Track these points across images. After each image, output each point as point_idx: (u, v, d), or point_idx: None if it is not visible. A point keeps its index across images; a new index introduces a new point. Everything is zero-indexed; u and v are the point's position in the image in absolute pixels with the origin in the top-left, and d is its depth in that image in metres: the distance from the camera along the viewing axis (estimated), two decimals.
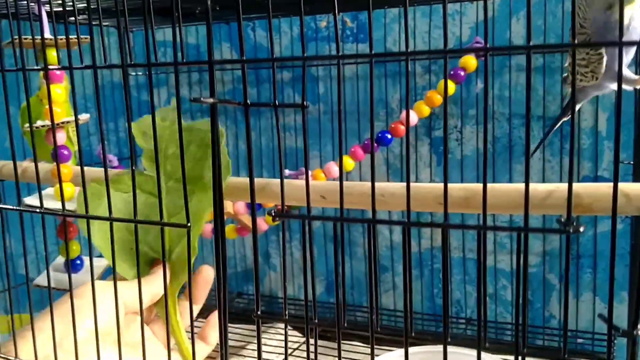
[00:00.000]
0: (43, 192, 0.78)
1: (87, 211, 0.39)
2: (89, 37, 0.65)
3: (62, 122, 0.71)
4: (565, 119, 0.76)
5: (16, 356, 0.40)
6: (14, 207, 0.40)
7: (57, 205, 0.72)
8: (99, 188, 0.49)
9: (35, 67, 0.37)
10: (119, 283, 0.42)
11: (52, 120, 0.37)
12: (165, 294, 0.39)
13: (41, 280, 0.75)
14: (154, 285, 0.47)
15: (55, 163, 0.72)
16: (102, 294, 0.42)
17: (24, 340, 0.41)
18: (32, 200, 0.73)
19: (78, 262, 0.76)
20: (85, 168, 0.40)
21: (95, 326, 0.39)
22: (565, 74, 0.68)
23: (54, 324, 0.40)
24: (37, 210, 0.40)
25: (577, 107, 0.76)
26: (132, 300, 0.45)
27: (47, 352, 0.40)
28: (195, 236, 0.49)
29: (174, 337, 0.50)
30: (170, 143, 0.53)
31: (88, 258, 0.76)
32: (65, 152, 0.70)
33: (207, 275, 0.51)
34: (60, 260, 0.80)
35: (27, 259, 0.43)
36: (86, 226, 0.45)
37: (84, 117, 0.71)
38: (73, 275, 0.75)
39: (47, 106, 0.69)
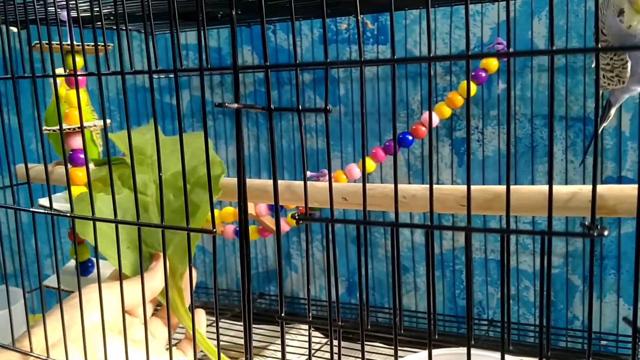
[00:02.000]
0: (60, 195, 0.80)
1: (93, 213, 0.41)
2: (111, 44, 0.66)
3: (78, 128, 0.72)
4: (605, 123, 0.76)
5: (30, 348, 0.43)
6: (26, 208, 0.41)
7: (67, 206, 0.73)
8: (85, 196, 0.51)
9: (64, 74, 0.38)
10: (118, 283, 0.45)
11: (81, 123, 0.38)
12: (166, 287, 0.40)
13: (51, 282, 0.76)
14: (154, 280, 0.50)
15: (72, 167, 0.73)
16: (103, 293, 0.44)
17: (35, 332, 0.45)
18: (45, 201, 0.75)
19: (89, 264, 0.78)
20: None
21: (102, 322, 0.42)
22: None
23: (60, 319, 0.43)
24: (47, 211, 0.41)
25: (612, 110, 0.76)
26: (130, 298, 0.48)
27: (55, 340, 0.44)
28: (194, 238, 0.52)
29: (181, 321, 0.53)
30: (155, 151, 0.56)
31: (101, 261, 0.78)
32: (82, 156, 0.71)
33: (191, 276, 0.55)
34: (72, 262, 0.82)
35: (39, 261, 0.44)
36: (81, 227, 0.46)
37: (101, 122, 0.72)
38: (85, 278, 0.76)
39: (67, 110, 0.71)
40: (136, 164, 0.55)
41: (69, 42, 0.70)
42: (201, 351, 0.53)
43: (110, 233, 0.43)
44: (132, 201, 0.53)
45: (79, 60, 0.68)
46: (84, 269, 0.76)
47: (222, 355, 0.52)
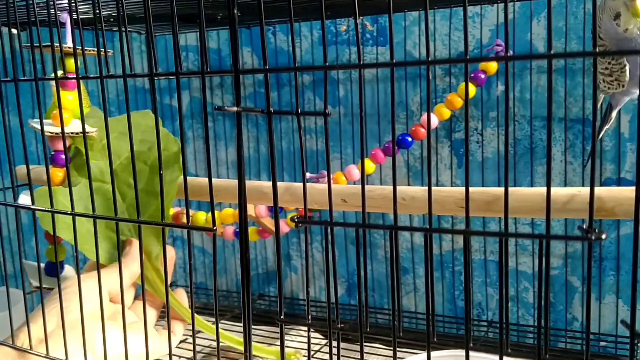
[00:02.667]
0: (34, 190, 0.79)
1: (72, 208, 0.41)
2: (111, 51, 0.66)
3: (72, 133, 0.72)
4: (607, 126, 0.76)
5: (30, 345, 0.44)
6: (27, 206, 0.42)
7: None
8: (46, 191, 0.51)
9: (71, 77, 0.38)
10: (96, 273, 0.47)
11: (62, 127, 0.38)
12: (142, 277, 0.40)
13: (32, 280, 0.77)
14: (131, 265, 0.51)
15: (53, 167, 0.73)
16: (85, 284, 0.46)
17: (23, 329, 0.46)
18: (24, 198, 0.74)
19: (64, 264, 0.77)
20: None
21: (82, 314, 0.43)
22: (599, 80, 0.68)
23: (51, 313, 0.45)
24: (29, 207, 0.42)
25: (614, 113, 0.76)
26: (113, 285, 0.49)
27: (51, 328, 0.45)
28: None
29: (163, 299, 0.54)
30: (104, 136, 0.57)
31: (67, 265, 0.78)
32: (62, 157, 0.71)
33: (170, 255, 0.56)
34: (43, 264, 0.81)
35: (39, 262, 0.45)
36: (46, 223, 0.47)
37: (91, 130, 0.72)
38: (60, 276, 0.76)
39: (55, 112, 0.71)
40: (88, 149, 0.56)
41: (68, 45, 0.70)
42: (198, 331, 0.54)
43: (80, 227, 0.43)
44: (88, 190, 0.53)
45: (74, 62, 0.68)
46: (52, 268, 0.75)
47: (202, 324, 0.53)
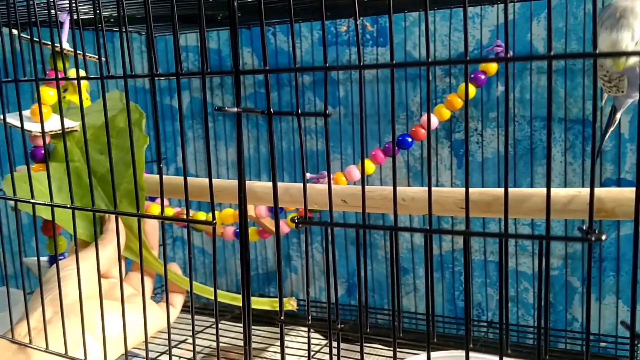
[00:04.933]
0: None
1: (51, 199, 0.41)
2: (105, 59, 0.66)
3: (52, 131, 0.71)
4: (612, 128, 0.76)
5: (30, 339, 0.44)
6: (26, 200, 0.43)
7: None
8: (21, 176, 0.50)
9: (71, 77, 0.38)
10: (84, 252, 0.49)
11: (42, 125, 0.38)
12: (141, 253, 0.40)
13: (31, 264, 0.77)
14: (114, 240, 0.51)
15: (35, 163, 0.73)
16: (73, 267, 0.46)
17: (23, 320, 0.46)
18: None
19: (60, 258, 0.78)
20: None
21: (80, 294, 0.44)
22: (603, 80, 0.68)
23: (46, 302, 0.45)
24: (29, 201, 0.43)
25: (618, 114, 0.76)
26: (102, 262, 0.49)
27: (49, 316, 0.45)
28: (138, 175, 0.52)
29: (154, 269, 0.55)
30: (77, 142, 0.59)
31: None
32: (42, 152, 0.71)
33: (151, 223, 0.56)
34: (43, 257, 0.82)
35: (39, 261, 0.45)
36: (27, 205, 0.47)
37: (72, 124, 0.72)
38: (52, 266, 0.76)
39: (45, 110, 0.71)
40: (54, 137, 0.56)
41: (68, 49, 0.70)
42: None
43: (59, 209, 0.44)
44: (62, 172, 0.53)
45: (67, 63, 0.68)
46: (54, 260, 0.76)
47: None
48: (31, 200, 0.42)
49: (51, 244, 0.71)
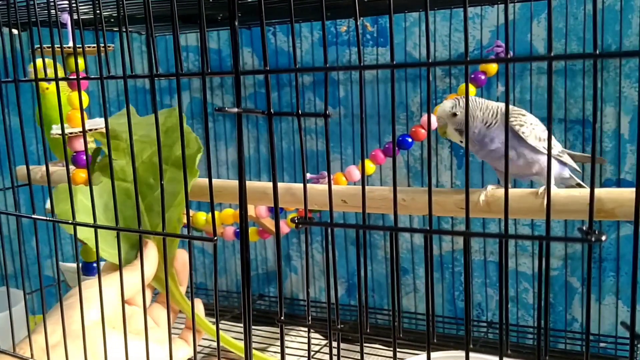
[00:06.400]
0: None
1: (95, 220, 0.41)
2: (112, 45, 0.66)
3: (88, 130, 0.72)
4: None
5: (31, 353, 0.43)
6: (28, 215, 0.42)
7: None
8: (66, 188, 0.50)
9: (70, 77, 0.39)
10: (113, 275, 0.47)
11: (83, 126, 0.38)
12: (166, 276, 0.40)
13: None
14: (145, 268, 0.49)
15: (76, 168, 0.74)
16: (102, 287, 0.45)
17: (34, 336, 0.45)
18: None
19: (94, 265, 0.77)
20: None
21: (102, 316, 0.42)
22: None
23: (58, 322, 0.43)
24: (49, 218, 0.42)
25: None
26: (128, 287, 0.48)
27: (56, 341, 0.44)
28: (177, 215, 0.51)
29: (179, 306, 0.54)
30: (124, 150, 0.57)
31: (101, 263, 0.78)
32: (84, 157, 0.72)
33: (183, 259, 0.54)
34: (73, 265, 0.82)
35: (40, 262, 0.44)
36: (65, 224, 0.46)
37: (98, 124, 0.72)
38: (84, 276, 0.76)
39: (69, 112, 0.71)
40: (112, 150, 0.55)
41: (69, 45, 0.70)
42: (205, 339, 0.53)
43: (100, 222, 0.43)
44: (121, 191, 0.52)
45: (80, 63, 0.68)
46: (88, 268, 0.76)
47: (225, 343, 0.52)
48: (72, 222, 0.41)
49: (84, 250, 0.71)
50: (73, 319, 0.45)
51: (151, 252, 0.51)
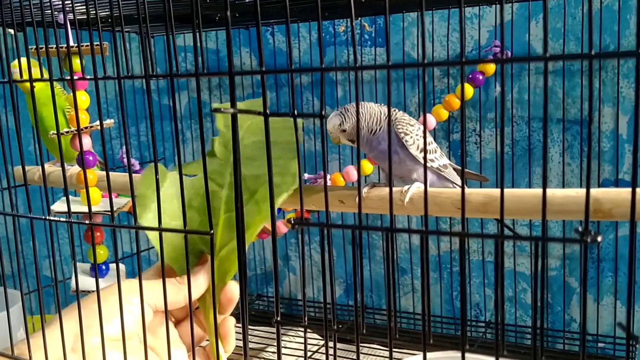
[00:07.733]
0: (75, 199, 0.79)
1: (135, 221, 0.40)
2: (107, 43, 0.65)
3: (87, 127, 0.72)
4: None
5: (30, 357, 0.40)
6: (43, 217, 0.41)
7: (82, 209, 0.73)
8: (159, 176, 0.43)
9: (65, 78, 0.38)
10: (154, 281, 0.43)
11: (78, 126, 0.38)
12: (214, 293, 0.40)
13: (73, 285, 0.77)
14: (195, 284, 0.44)
15: (79, 168, 0.73)
16: (128, 294, 0.41)
17: (37, 341, 0.40)
18: (59, 206, 0.75)
19: (103, 267, 0.77)
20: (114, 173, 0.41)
21: (122, 330, 0.40)
22: None
23: (69, 328, 0.40)
24: (65, 220, 0.40)
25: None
26: (159, 299, 0.42)
27: (59, 356, 0.39)
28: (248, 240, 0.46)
29: (208, 335, 0.48)
30: (247, 133, 0.49)
31: (113, 265, 0.77)
32: (91, 158, 0.71)
33: (231, 294, 0.48)
34: (84, 265, 0.81)
35: (37, 262, 0.44)
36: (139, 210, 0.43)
37: (108, 122, 0.72)
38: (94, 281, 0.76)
39: (72, 113, 0.71)
40: (222, 148, 0.50)
41: (63, 45, 0.70)
42: None
43: (173, 220, 0.41)
44: (202, 186, 0.46)
45: (77, 63, 0.68)
46: (98, 271, 0.76)
47: None
48: (135, 226, 0.39)
49: (93, 253, 0.71)
50: (88, 331, 0.40)
51: (207, 269, 0.46)
